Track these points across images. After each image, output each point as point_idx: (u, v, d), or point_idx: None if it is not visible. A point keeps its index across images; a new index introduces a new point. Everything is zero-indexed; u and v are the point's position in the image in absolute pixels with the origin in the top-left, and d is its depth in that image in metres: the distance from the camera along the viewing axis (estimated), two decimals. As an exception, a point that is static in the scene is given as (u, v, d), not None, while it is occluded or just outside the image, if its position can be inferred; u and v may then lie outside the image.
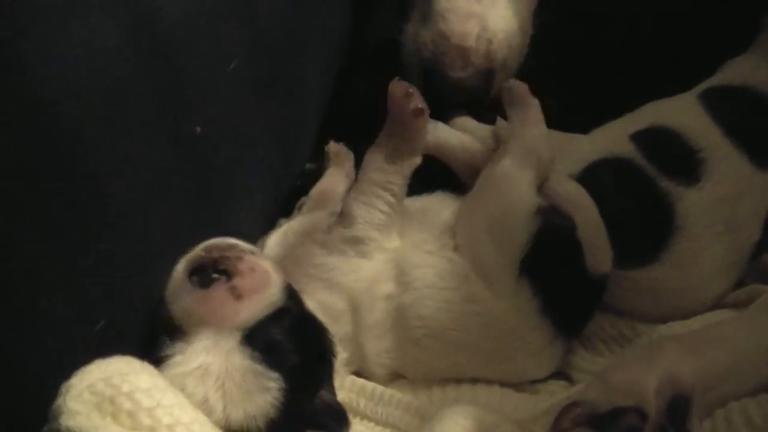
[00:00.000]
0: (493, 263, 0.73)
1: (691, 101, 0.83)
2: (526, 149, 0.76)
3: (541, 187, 0.77)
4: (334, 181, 0.88)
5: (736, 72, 0.84)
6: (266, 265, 0.68)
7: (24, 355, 0.58)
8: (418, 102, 0.74)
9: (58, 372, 0.57)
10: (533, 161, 0.75)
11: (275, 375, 0.61)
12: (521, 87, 0.79)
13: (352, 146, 0.89)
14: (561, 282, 0.73)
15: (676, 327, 0.74)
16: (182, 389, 0.59)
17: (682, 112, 0.82)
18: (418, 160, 0.76)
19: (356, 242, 0.75)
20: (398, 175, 0.75)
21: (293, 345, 0.64)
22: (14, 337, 0.57)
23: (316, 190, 0.87)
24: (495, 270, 0.73)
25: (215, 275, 0.64)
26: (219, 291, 0.63)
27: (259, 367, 0.61)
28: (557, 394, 0.72)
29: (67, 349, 0.59)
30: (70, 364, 0.57)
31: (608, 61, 0.92)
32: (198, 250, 0.67)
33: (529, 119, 0.78)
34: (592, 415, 0.60)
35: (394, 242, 0.76)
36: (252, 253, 0.68)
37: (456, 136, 0.84)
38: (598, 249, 0.74)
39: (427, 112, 0.75)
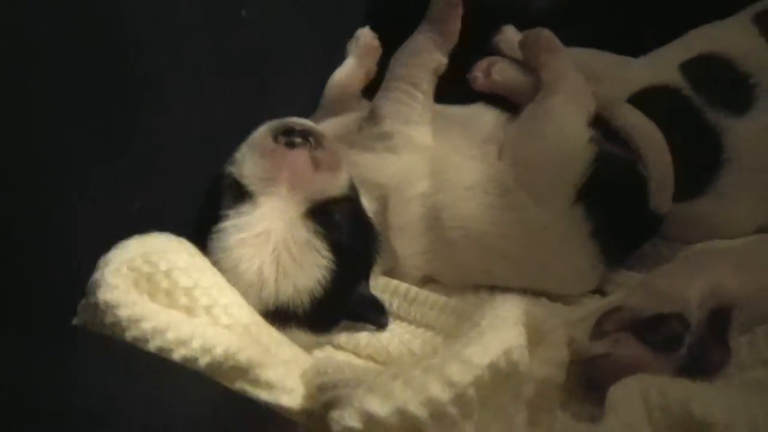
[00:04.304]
0: (547, 187, 0.71)
1: (743, 23, 0.79)
2: (575, 92, 0.75)
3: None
4: (352, 75, 0.87)
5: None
6: (341, 154, 0.68)
7: (59, 231, 0.56)
8: None
9: (95, 248, 0.56)
10: (583, 103, 0.74)
11: (328, 255, 0.62)
12: (546, 34, 0.77)
13: (392, 49, 0.86)
14: (617, 211, 0.72)
15: (715, 245, 0.72)
16: (238, 259, 0.60)
17: (733, 36, 0.78)
18: (443, 60, 0.76)
19: (384, 137, 0.74)
20: (422, 69, 0.75)
21: (349, 231, 0.64)
22: (46, 212, 0.55)
23: (333, 83, 0.86)
24: (548, 193, 0.71)
25: (299, 140, 0.64)
26: (302, 154, 0.64)
27: (317, 242, 0.62)
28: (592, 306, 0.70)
29: (102, 226, 0.58)
30: (107, 242, 0.56)
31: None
32: (286, 119, 0.67)
33: (566, 64, 0.76)
34: (634, 320, 0.58)
35: (426, 140, 0.75)
36: (332, 141, 0.68)
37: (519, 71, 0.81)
38: (664, 187, 0.72)
39: (461, 6, 0.75)
